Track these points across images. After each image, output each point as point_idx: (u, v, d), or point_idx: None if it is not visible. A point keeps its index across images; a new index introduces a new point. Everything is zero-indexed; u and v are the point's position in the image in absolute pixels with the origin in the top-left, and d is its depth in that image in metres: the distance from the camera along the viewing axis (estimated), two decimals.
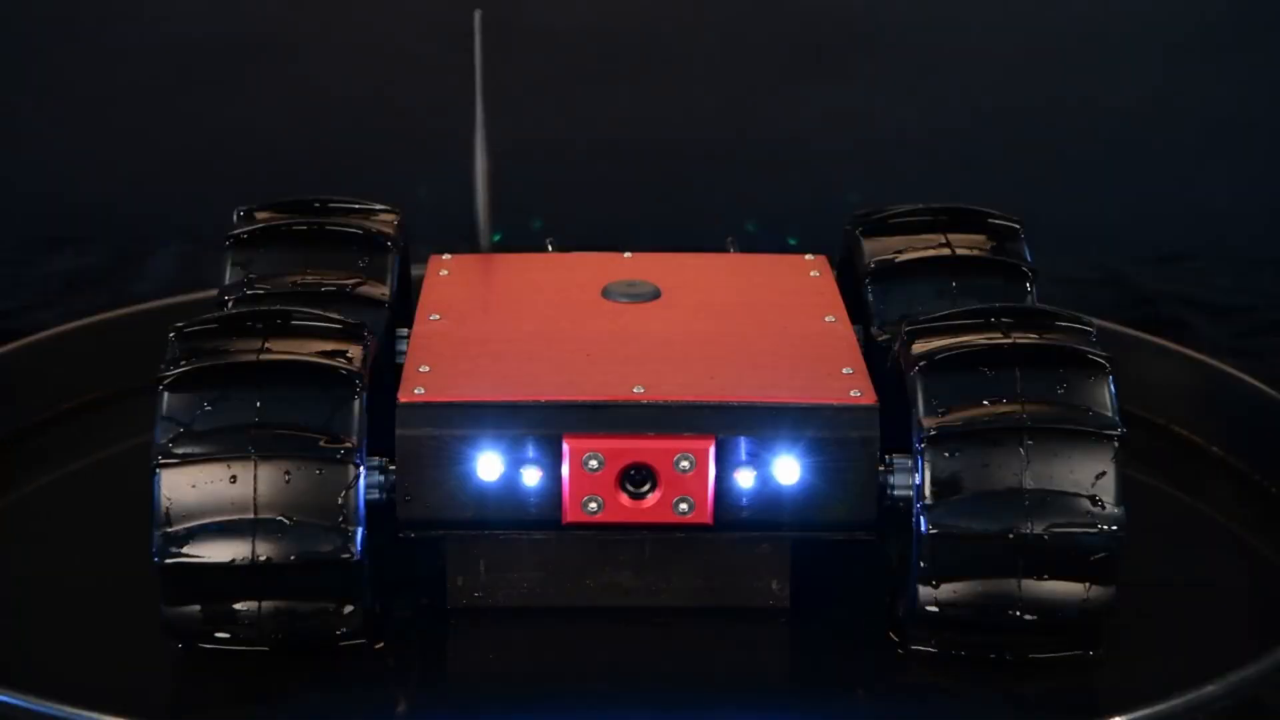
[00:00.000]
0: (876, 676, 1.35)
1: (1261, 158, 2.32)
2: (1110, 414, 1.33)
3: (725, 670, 1.35)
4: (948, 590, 1.32)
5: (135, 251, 2.24)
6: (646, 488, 1.33)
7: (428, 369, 1.37)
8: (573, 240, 1.66)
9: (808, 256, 1.58)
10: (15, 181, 2.32)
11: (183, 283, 2.11)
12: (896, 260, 1.50)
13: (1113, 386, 1.34)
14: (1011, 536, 1.30)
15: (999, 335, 1.36)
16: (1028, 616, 1.32)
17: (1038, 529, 1.30)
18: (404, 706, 1.32)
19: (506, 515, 1.34)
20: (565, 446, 1.32)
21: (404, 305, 1.54)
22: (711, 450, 1.32)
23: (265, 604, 1.31)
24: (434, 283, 1.53)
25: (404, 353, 1.42)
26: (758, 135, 2.33)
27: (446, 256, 1.58)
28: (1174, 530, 1.55)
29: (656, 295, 1.49)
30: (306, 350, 1.34)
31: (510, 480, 1.33)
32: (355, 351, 1.35)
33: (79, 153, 2.32)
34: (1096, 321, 1.41)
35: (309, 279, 1.48)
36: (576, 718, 1.31)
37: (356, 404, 1.32)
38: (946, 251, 1.51)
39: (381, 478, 1.34)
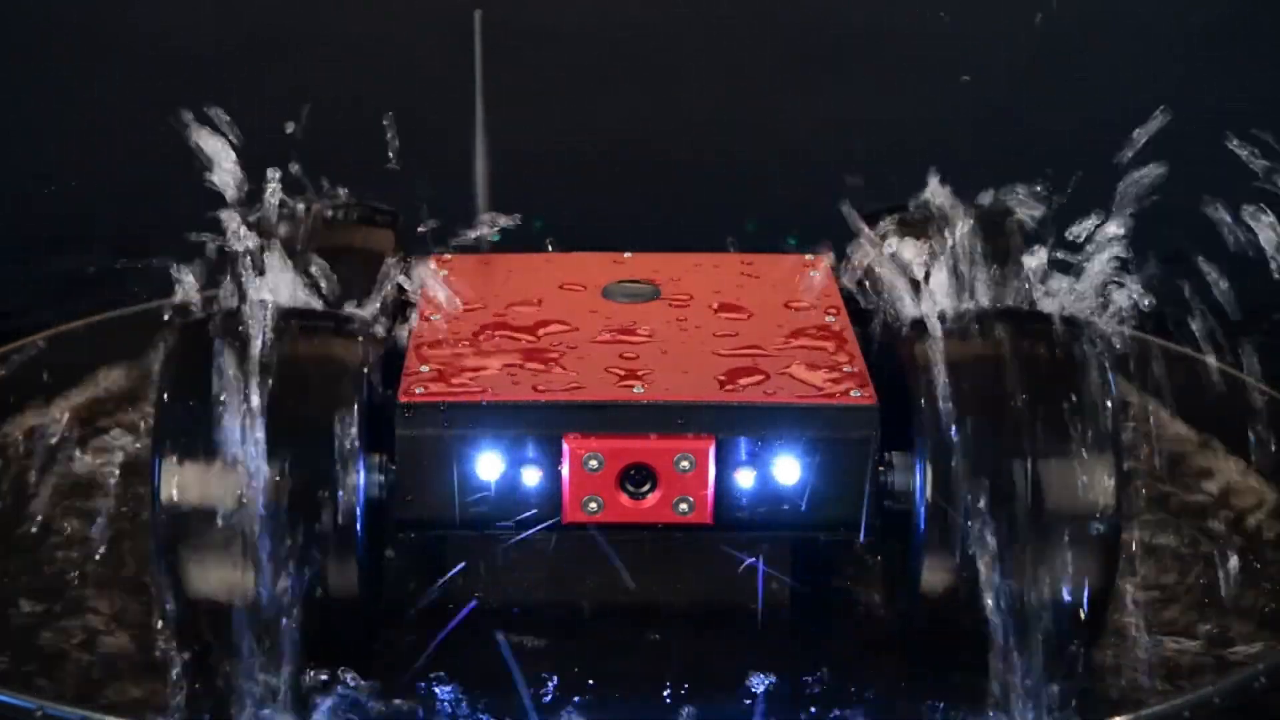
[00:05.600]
0: (876, 677, 1.35)
1: (1262, 158, 2.32)
2: (1111, 415, 1.33)
3: (725, 670, 1.35)
4: (947, 590, 1.32)
5: (135, 251, 2.24)
6: (646, 488, 1.33)
7: (428, 369, 1.37)
8: (573, 240, 1.66)
9: (808, 256, 1.58)
10: (16, 181, 2.32)
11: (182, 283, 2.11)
12: (896, 260, 1.50)
13: (1114, 388, 1.34)
14: (1012, 537, 1.30)
15: (1000, 336, 1.36)
16: (1028, 617, 1.32)
17: (1038, 529, 1.30)
18: (404, 706, 1.32)
19: (506, 515, 1.34)
20: (565, 446, 1.32)
21: (404, 305, 1.54)
22: (711, 450, 1.32)
23: (265, 604, 1.31)
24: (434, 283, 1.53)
25: (404, 353, 1.42)
26: (758, 135, 2.33)
27: (447, 256, 1.58)
28: (1173, 531, 1.55)
29: (656, 295, 1.49)
30: (306, 349, 1.34)
31: (510, 480, 1.33)
32: (355, 350, 1.35)
33: (79, 153, 2.32)
34: (1097, 322, 1.41)
35: (308, 279, 1.48)
36: (576, 718, 1.31)
37: (356, 404, 1.32)
38: (946, 251, 1.51)
39: (381, 477, 1.34)
